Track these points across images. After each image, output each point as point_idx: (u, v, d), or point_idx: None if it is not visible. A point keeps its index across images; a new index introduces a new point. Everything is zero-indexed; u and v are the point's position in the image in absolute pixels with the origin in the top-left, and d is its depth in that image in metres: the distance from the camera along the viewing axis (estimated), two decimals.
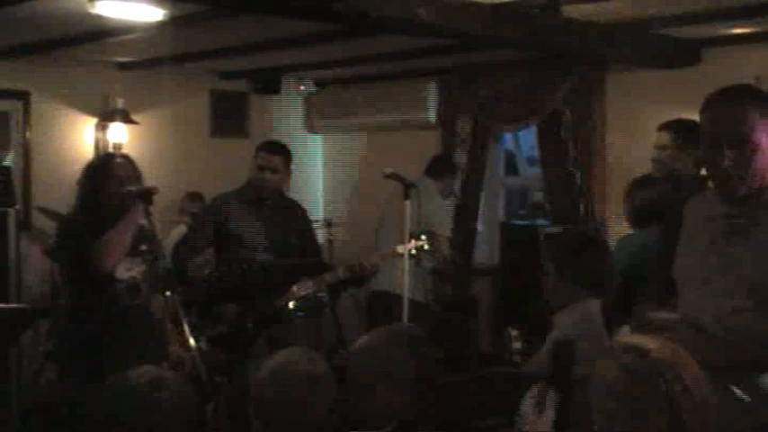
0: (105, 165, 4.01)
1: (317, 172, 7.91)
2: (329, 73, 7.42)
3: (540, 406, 1.54)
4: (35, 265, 6.12)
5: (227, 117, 7.59)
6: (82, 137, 6.85)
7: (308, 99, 7.97)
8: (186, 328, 3.70)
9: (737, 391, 2.31)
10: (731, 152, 2.39)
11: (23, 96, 6.60)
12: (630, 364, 1.54)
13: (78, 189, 3.98)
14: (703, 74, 5.54)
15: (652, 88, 5.91)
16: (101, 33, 5.38)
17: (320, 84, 7.86)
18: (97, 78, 6.86)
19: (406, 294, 4.48)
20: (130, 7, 4.50)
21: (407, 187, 4.49)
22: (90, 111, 6.87)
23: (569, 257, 3.67)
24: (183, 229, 6.21)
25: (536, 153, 6.86)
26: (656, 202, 4.20)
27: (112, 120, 6.79)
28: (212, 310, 4.41)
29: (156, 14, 4.65)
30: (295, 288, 4.48)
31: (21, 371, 5.81)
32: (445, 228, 5.68)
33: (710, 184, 2.60)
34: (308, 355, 2.63)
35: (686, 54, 5.68)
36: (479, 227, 7.10)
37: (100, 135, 6.88)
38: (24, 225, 6.40)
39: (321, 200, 7.56)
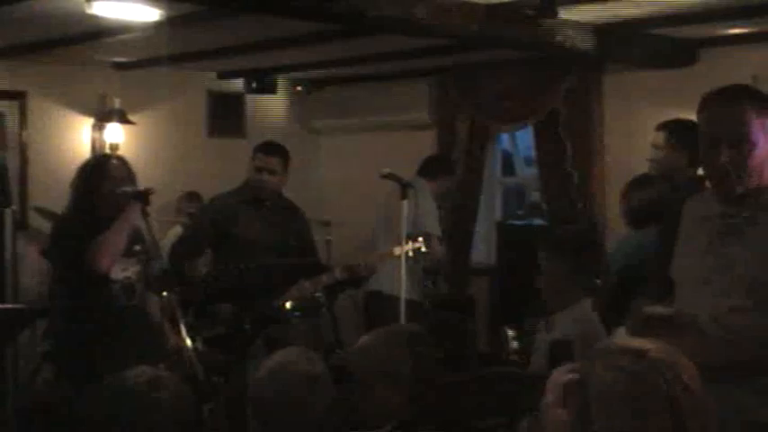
0: (99, 166, 4.01)
1: (315, 172, 7.90)
2: (327, 73, 7.42)
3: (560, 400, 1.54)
4: (32, 266, 6.11)
5: (225, 117, 7.59)
6: (79, 137, 6.85)
7: (305, 99, 7.96)
8: (183, 329, 3.70)
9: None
10: (728, 151, 2.40)
11: (20, 96, 6.59)
12: (628, 365, 1.53)
13: (72, 190, 3.99)
14: (700, 74, 5.54)
15: (649, 88, 5.92)
16: (98, 33, 5.37)
17: (317, 84, 7.86)
18: (94, 78, 6.85)
19: (403, 295, 4.48)
20: (127, 7, 4.49)
21: (404, 187, 4.49)
22: (87, 111, 6.86)
23: (565, 256, 3.68)
24: (179, 229, 6.21)
25: (533, 153, 6.87)
26: (653, 203, 4.21)
27: (109, 120, 6.78)
28: (210, 310, 4.41)
29: (153, 14, 4.65)
30: (293, 288, 4.48)
31: (17, 371, 5.81)
32: (436, 228, 5.67)
33: (708, 183, 2.61)
34: (306, 355, 2.64)
35: (683, 54, 5.69)
36: (477, 227, 7.09)
37: (97, 135, 6.87)
38: (21, 225, 6.39)
39: (319, 200, 7.54)
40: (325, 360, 2.74)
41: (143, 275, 4.01)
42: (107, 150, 6.64)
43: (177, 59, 6.27)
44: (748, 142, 2.39)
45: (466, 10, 4.56)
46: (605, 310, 3.82)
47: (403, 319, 4.42)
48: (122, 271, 3.91)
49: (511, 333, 4.25)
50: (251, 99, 7.67)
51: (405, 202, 4.46)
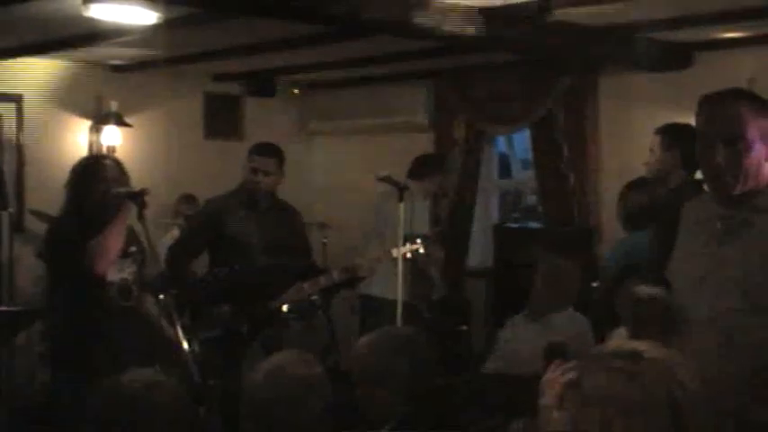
0: (92, 167, 4.01)
1: (312, 174, 7.91)
2: (323, 75, 7.43)
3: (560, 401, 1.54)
4: (28, 268, 6.11)
5: (221, 119, 7.59)
6: (76, 139, 6.84)
7: (301, 101, 7.97)
8: (180, 331, 3.70)
9: None
10: (723, 150, 2.41)
11: (17, 99, 6.59)
12: (625, 367, 1.54)
13: (66, 191, 3.99)
14: (696, 77, 5.55)
15: (645, 91, 5.93)
16: (95, 36, 5.37)
17: (314, 86, 7.87)
18: (91, 81, 6.85)
19: (400, 297, 4.49)
20: (124, 10, 4.49)
21: (401, 190, 4.50)
22: (84, 113, 6.86)
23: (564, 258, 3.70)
24: (177, 231, 6.21)
25: (530, 155, 6.87)
26: (649, 206, 4.23)
27: (106, 122, 6.78)
28: (206, 312, 4.41)
29: (150, 17, 4.65)
30: (290, 290, 4.49)
31: (14, 372, 5.81)
32: (425, 229, 5.66)
33: (705, 186, 2.63)
34: (302, 357, 2.64)
35: (678, 57, 5.70)
36: (473, 229, 7.10)
37: (94, 138, 6.87)
38: (17, 228, 6.39)
39: (315, 203, 7.55)
40: (322, 362, 2.75)
41: (139, 277, 4.02)
42: (104, 153, 6.64)
43: (174, 62, 6.28)
44: (743, 141, 2.41)
45: (462, 12, 4.57)
46: (601, 313, 3.84)
47: (399, 322, 4.43)
48: (118, 272, 3.91)
49: None
50: (248, 101, 7.68)
51: (401, 205, 4.47)
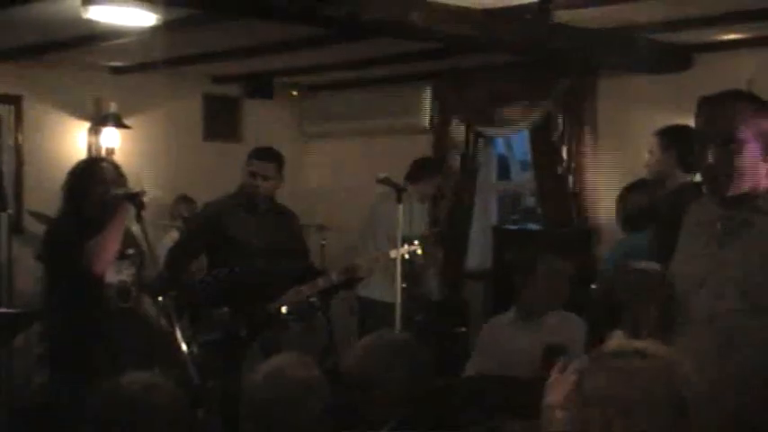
0: (89, 169, 4.02)
1: (310, 176, 7.91)
2: (322, 77, 7.43)
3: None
4: (27, 270, 6.10)
5: (220, 121, 7.59)
6: (74, 141, 6.84)
7: (300, 103, 7.97)
8: (178, 333, 3.70)
9: None
10: (715, 150, 2.42)
11: (16, 100, 6.58)
12: (625, 367, 1.53)
13: (64, 193, 3.99)
14: (695, 79, 5.55)
15: (643, 93, 5.93)
16: (94, 37, 5.37)
17: (313, 88, 7.87)
18: (90, 82, 6.85)
19: (399, 300, 4.49)
20: (123, 11, 4.49)
21: (400, 192, 4.51)
22: (82, 115, 6.86)
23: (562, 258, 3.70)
24: (175, 234, 6.21)
25: (529, 157, 6.88)
26: (647, 207, 4.23)
27: (105, 124, 6.78)
28: (205, 314, 4.41)
29: (150, 19, 4.64)
30: (289, 293, 4.49)
31: (12, 373, 5.80)
32: (422, 231, 5.67)
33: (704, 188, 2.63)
34: (301, 359, 2.64)
35: (677, 59, 5.70)
36: (472, 231, 7.10)
37: (93, 139, 6.87)
38: (16, 229, 6.39)
39: (314, 205, 7.55)
40: (321, 364, 2.75)
41: (138, 279, 4.02)
42: (103, 154, 6.65)
43: (173, 63, 6.28)
44: (735, 141, 2.41)
45: (461, 14, 4.57)
46: (600, 314, 3.83)
47: (398, 325, 4.43)
48: (117, 274, 3.91)
49: None
50: (247, 103, 7.68)
51: (400, 207, 4.48)
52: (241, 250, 4.53)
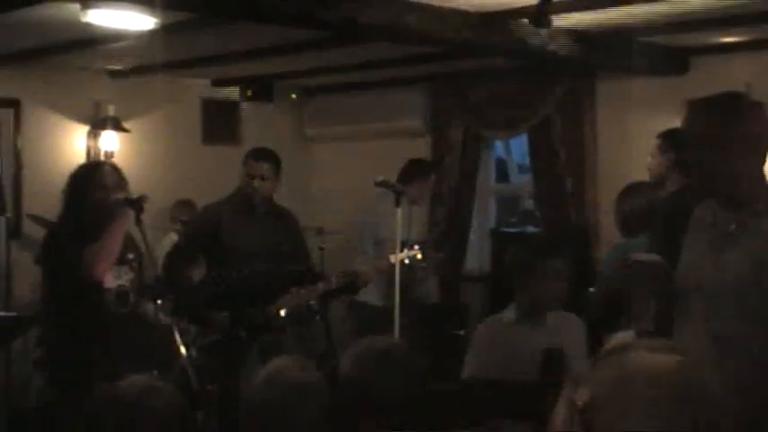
0: (90, 173, 4.01)
1: (309, 179, 7.91)
2: (320, 81, 7.43)
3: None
4: (26, 274, 6.10)
5: (219, 124, 7.59)
6: (73, 145, 6.84)
7: (299, 106, 7.98)
8: (177, 336, 3.70)
9: None
10: (698, 154, 2.44)
11: (15, 104, 6.59)
12: (631, 367, 1.53)
13: (64, 197, 3.98)
14: (693, 82, 5.56)
15: (642, 96, 5.94)
16: (92, 41, 5.38)
17: (311, 91, 7.87)
18: (89, 86, 6.85)
19: (398, 302, 4.48)
20: (122, 15, 4.49)
21: (398, 195, 4.51)
22: (81, 118, 6.86)
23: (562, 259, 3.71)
24: (174, 237, 6.21)
25: (527, 160, 6.88)
26: (647, 209, 4.23)
27: (104, 127, 6.78)
28: (204, 317, 4.41)
29: (148, 23, 4.65)
30: (287, 296, 4.49)
31: (10, 378, 5.80)
32: (414, 233, 5.65)
33: None
34: (300, 363, 2.64)
35: (675, 62, 5.71)
36: (470, 234, 7.10)
37: (92, 143, 6.87)
38: (15, 233, 6.39)
39: (312, 207, 7.55)
40: (320, 367, 2.75)
41: (137, 283, 4.01)
42: (102, 158, 6.65)
43: (172, 67, 6.28)
44: (721, 144, 2.42)
45: (458, 17, 4.58)
46: (599, 317, 3.83)
47: (396, 330, 4.42)
48: (116, 278, 3.91)
49: None
50: (245, 107, 7.68)
51: (399, 210, 4.47)
52: (240, 253, 4.53)
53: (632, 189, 4.56)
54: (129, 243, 3.98)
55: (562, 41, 5.05)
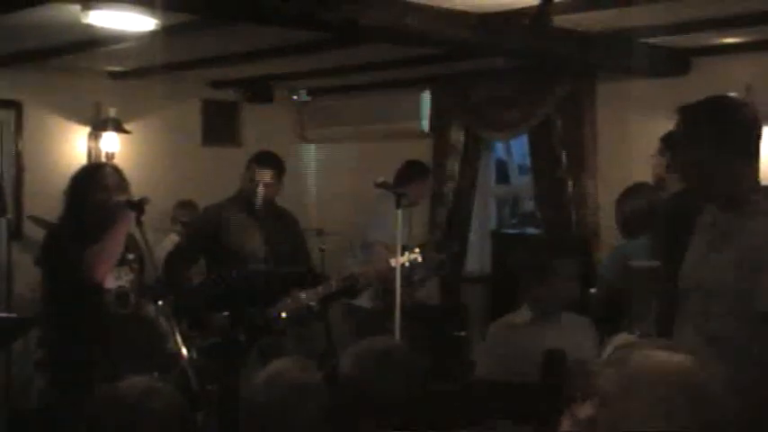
0: (92, 174, 4.01)
1: (309, 181, 7.92)
2: (321, 82, 7.44)
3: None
4: (26, 275, 6.10)
5: (220, 126, 7.60)
6: (74, 146, 6.85)
7: (299, 108, 7.98)
8: (178, 338, 3.70)
9: None
10: (686, 156, 2.45)
11: (16, 105, 6.59)
12: (636, 368, 1.53)
13: (65, 198, 3.98)
14: (693, 83, 5.56)
15: (643, 97, 5.93)
16: (93, 42, 5.38)
17: (312, 93, 7.87)
18: (89, 88, 6.85)
19: (398, 304, 4.48)
20: (123, 17, 4.49)
21: (399, 197, 4.50)
22: (82, 120, 6.86)
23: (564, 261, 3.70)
24: (175, 238, 6.21)
25: (528, 161, 6.88)
26: (647, 211, 4.23)
27: (105, 129, 6.79)
28: (204, 319, 4.40)
29: (149, 24, 4.65)
30: (288, 298, 4.49)
31: (11, 379, 5.80)
32: (410, 234, 5.65)
33: None
34: (300, 364, 2.64)
35: (676, 63, 5.71)
36: (471, 235, 7.10)
37: (92, 144, 6.88)
38: (16, 234, 6.39)
39: (313, 209, 7.56)
40: (320, 368, 2.75)
41: (138, 284, 4.01)
42: (103, 159, 6.65)
43: (172, 68, 6.28)
44: (708, 148, 2.44)
45: (459, 18, 4.58)
46: (599, 318, 3.83)
47: (397, 332, 4.42)
48: (116, 280, 3.91)
49: None
50: (246, 108, 7.69)
51: (399, 212, 4.47)
52: (240, 255, 4.53)
53: (633, 190, 4.56)
54: (129, 244, 3.98)
55: (563, 42, 5.05)
